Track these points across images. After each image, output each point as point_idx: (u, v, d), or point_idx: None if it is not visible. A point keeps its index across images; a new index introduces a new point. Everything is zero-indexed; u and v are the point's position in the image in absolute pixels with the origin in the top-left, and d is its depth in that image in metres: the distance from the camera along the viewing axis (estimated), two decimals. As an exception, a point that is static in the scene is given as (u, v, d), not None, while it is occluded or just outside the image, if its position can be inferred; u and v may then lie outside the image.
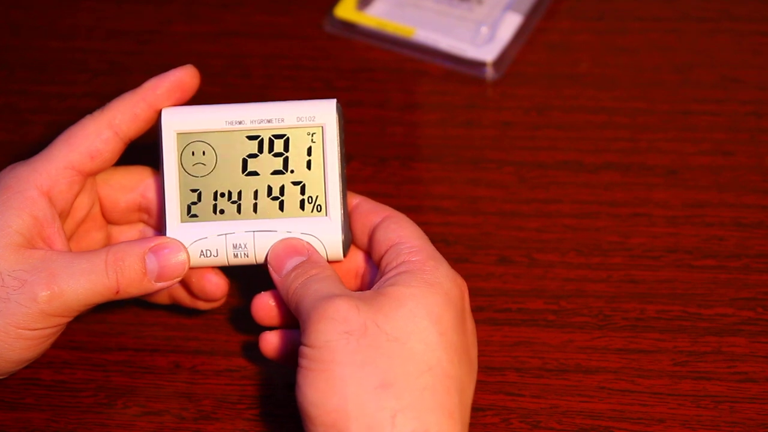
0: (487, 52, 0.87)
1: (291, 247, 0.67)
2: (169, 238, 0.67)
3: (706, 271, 0.75)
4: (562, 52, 0.88)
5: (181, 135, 0.68)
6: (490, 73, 0.87)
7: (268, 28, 0.92)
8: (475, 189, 0.80)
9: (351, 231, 0.68)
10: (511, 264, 0.76)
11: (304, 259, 0.66)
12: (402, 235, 0.65)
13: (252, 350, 0.72)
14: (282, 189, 0.68)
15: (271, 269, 0.67)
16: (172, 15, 0.93)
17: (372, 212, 0.67)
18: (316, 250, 0.67)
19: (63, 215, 0.68)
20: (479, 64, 0.87)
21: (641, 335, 0.72)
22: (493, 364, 0.71)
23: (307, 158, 0.68)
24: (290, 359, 0.69)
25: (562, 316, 0.73)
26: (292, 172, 0.68)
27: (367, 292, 0.63)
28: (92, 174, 0.69)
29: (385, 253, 0.65)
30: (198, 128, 0.68)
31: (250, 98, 0.86)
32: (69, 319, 0.66)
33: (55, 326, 0.66)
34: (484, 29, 0.88)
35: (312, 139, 0.68)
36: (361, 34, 0.90)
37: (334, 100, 0.68)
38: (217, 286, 0.70)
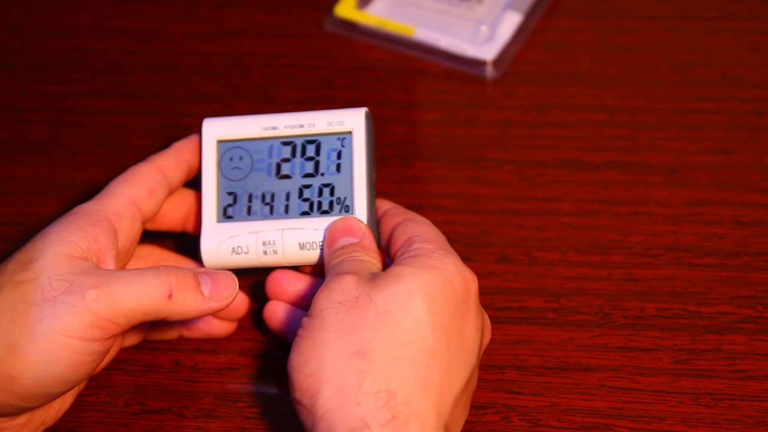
0: (487, 51, 0.87)
1: (348, 227, 0.68)
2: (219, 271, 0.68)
3: (706, 269, 0.75)
4: (562, 50, 0.88)
5: (221, 142, 0.72)
6: (490, 71, 0.87)
7: (269, 27, 0.92)
8: (476, 187, 0.80)
9: (379, 234, 0.69)
10: (511, 262, 0.76)
11: (355, 241, 0.67)
12: (418, 231, 0.67)
13: (252, 349, 0.72)
14: (312, 191, 0.70)
15: (324, 243, 0.68)
16: (172, 14, 0.93)
17: (397, 216, 0.69)
18: (372, 235, 0.68)
19: (120, 254, 0.67)
20: (479, 63, 0.87)
21: (641, 333, 0.72)
22: (494, 362, 0.71)
23: (337, 162, 0.70)
24: (288, 333, 0.70)
25: (563, 314, 0.73)
26: (322, 174, 0.70)
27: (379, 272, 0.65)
28: (147, 217, 0.69)
29: (401, 246, 0.66)
30: (236, 135, 0.71)
31: (250, 97, 0.87)
32: (118, 329, 0.63)
33: (103, 338, 0.63)
34: (483, 28, 0.88)
35: (342, 144, 0.70)
36: (361, 33, 0.90)
37: (364, 108, 0.70)
38: (243, 300, 0.72)
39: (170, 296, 0.64)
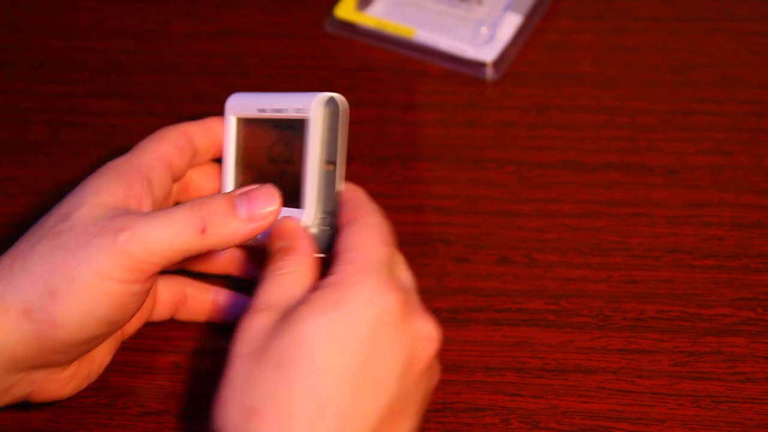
0: (487, 52, 0.87)
1: (280, 229, 0.65)
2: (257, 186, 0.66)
3: (705, 271, 0.75)
4: (562, 51, 0.88)
5: (238, 120, 0.71)
6: (490, 73, 0.87)
7: (269, 27, 0.92)
8: (476, 189, 0.80)
9: (336, 226, 0.66)
10: (511, 264, 0.76)
11: (285, 245, 0.64)
12: (352, 243, 0.62)
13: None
14: (287, 178, 0.68)
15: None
16: (172, 14, 0.93)
17: (351, 212, 0.65)
18: (306, 238, 0.65)
19: (155, 206, 0.67)
20: (479, 64, 0.87)
21: (641, 335, 0.72)
22: (493, 364, 0.71)
23: (303, 149, 0.67)
24: None
25: (562, 316, 0.73)
26: (293, 162, 0.68)
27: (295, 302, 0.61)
28: (176, 175, 0.69)
29: (332, 262, 0.63)
30: (247, 114, 0.71)
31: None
32: (157, 268, 0.63)
33: (142, 279, 0.63)
34: (484, 29, 0.88)
35: (307, 131, 0.67)
36: (361, 34, 0.90)
37: (326, 95, 0.66)
38: None
39: (203, 231, 0.63)
